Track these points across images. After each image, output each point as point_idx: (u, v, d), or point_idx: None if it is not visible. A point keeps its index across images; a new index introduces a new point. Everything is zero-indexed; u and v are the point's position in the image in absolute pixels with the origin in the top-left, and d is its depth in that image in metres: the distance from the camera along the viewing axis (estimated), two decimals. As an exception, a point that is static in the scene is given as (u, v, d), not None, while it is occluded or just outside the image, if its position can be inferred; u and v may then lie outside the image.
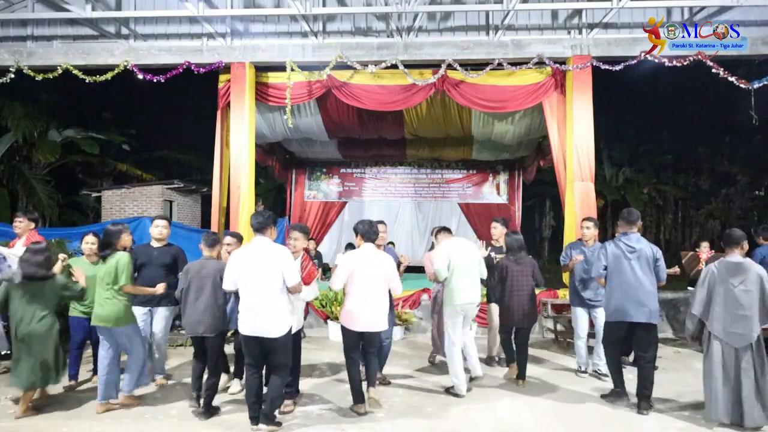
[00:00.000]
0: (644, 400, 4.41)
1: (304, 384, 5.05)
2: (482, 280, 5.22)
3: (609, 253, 4.55)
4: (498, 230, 5.96)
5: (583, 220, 5.81)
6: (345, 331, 4.42)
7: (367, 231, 4.49)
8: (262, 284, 3.91)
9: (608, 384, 4.92)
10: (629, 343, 4.89)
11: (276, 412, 4.07)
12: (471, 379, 5.06)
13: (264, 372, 4.17)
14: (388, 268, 4.49)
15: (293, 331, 4.25)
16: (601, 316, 5.22)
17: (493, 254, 5.66)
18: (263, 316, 3.89)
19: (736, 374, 4.01)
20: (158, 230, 5.16)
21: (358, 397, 4.35)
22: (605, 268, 4.56)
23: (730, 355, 4.05)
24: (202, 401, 4.32)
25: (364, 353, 4.48)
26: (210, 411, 4.28)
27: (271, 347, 3.94)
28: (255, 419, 3.98)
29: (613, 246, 4.56)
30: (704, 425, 4.18)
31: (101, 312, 4.33)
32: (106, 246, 4.45)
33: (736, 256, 4.19)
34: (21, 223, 5.59)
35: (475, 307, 5.05)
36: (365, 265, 4.38)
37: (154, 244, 5.16)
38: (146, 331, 4.99)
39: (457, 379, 4.78)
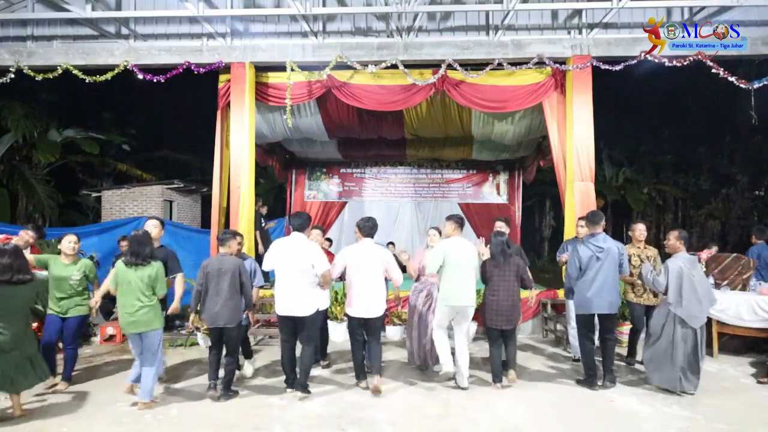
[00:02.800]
0: (609, 374, 5.04)
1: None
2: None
3: (581, 255, 5.05)
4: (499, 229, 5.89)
5: (579, 219, 6.15)
6: (348, 317, 5.00)
7: (364, 226, 5.04)
8: (295, 272, 4.65)
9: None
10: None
11: (307, 382, 4.78)
12: (457, 386, 5.04)
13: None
14: (384, 259, 4.97)
15: (321, 309, 5.13)
16: None
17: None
18: (295, 299, 4.63)
19: (685, 350, 4.80)
20: (151, 232, 4.99)
21: (360, 373, 5.02)
22: (580, 269, 5.05)
23: (689, 335, 4.82)
24: (221, 384, 4.73)
25: (368, 342, 5.03)
26: (229, 393, 4.73)
27: (302, 323, 4.69)
28: (290, 382, 4.78)
29: (584, 247, 5.07)
30: (704, 423, 4.20)
31: (136, 318, 4.37)
32: (140, 253, 4.44)
33: (686, 252, 5.00)
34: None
35: (471, 310, 5.07)
36: (362, 257, 4.92)
37: None
38: None
39: (445, 359, 5.05)
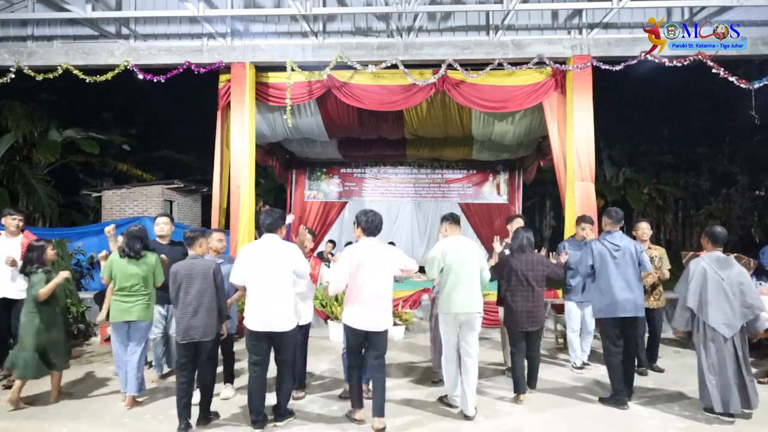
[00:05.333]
0: (628, 387, 4.66)
1: (305, 384, 5.07)
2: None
3: (595, 252, 4.71)
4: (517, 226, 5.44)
5: (580, 220, 5.77)
6: (349, 331, 4.13)
7: (368, 224, 4.15)
8: (272, 280, 3.94)
9: (594, 373, 5.17)
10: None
11: (288, 405, 4.18)
12: (465, 417, 4.33)
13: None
14: (392, 259, 4.17)
15: (305, 323, 4.59)
16: (590, 311, 5.33)
17: (507, 251, 5.07)
18: (272, 311, 3.91)
19: (722, 362, 4.23)
20: (159, 227, 5.30)
21: (357, 401, 4.14)
22: (592, 267, 4.73)
23: (720, 345, 4.25)
24: (198, 408, 4.11)
25: (371, 366, 4.12)
26: (208, 417, 4.15)
27: (279, 342, 3.97)
28: (259, 423, 3.95)
29: (600, 245, 4.73)
30: (704, 424, 4.20)
31: (136, 308, 4.52)
32: (142, 247, 4.61)
33: (720, 252, 4.45)
34: (14, 221, 5.32)
35: (478, 317, 4.41)
36: (365, 260, 4.06)
37: (161, 241, 5.27)
38: (164, 328, 5.25)
39: (452, 390, 4.46)
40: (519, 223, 5.52)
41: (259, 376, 3.97)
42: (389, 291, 4.18)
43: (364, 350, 4.16)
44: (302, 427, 4.12)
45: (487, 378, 5.36)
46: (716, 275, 4.30)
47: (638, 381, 5.26)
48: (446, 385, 4.54)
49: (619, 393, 4.56)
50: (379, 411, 4.00)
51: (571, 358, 5.76)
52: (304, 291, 4.56)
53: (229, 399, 4.66)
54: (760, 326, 4.35)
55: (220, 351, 4.49)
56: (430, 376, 5.38)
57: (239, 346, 5.01)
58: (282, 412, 4.09)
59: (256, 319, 3.93)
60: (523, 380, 4.67)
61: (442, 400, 4.62)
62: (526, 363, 4.81)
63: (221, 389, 4.70)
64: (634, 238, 5.76)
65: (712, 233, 4.49)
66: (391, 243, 11.04)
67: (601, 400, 4.67)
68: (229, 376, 4.85)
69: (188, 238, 4.22)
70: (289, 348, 4.05)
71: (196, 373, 4.11)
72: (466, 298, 4.32)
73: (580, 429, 4.17)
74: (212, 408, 4.22)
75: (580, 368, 5.63)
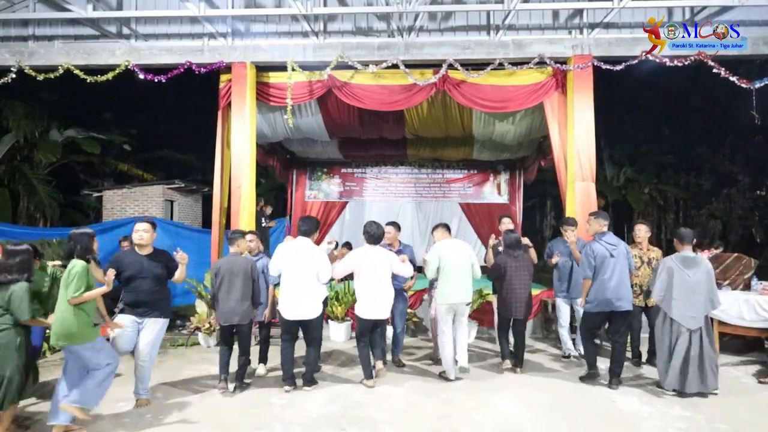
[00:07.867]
0: (615, 377, 5.05)
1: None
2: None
3: (597, 254, 5.09)
4: (507, 226, 6.30)
5: (564, 224, 6.15)
6: (358, 319, 5.11)
7: (374, 234, 5.10)
8: (302, 276, 4.83)
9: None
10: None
11: (314, 375, 5.11)
12: (460, 370, 5.30)
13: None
14: (389, 262, 5.08)
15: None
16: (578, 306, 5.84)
17: (501, 249, 5.86)
18: (302, 302, 4.82)
19: (687, 351, 4.73)
20: (138, 235, 4.42)
21: (368, 373, 5.07)
22: (595, 268, 5.10)
23: (684, 335, 4.75)
24: (233, 378, 4.94)
25: (374, 340, 5.23)
26: (243, 385, 4.98)
27: (308, 326, 4.92)
28: (288, 380, 4.94)
29: (599, 246, 5.13)
30: (705, 423, 4.20)
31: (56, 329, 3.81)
32: (69, 254, 3.93)
33: (688, 251, 4.92)
34: None
35: (466, 306, 5.35)
36: (368, 262, 5.02)
37: (141, 251, 4.46)
38: (134, 343, 4.46)
39: (447, 364, 5.23)
40: (507, 222, 6.28)
41: (288, 348, 4.95)
42: (388, 288, 5.09)
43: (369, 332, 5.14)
44: (301, 426, 4.14)
45: (488, 380, 5.38)
46: (682, 273, 4.79)
47: (638, 380, 5.29)
48: (444, 362, 5.28)
49: (593, 372, 5.19)
50: (379, 355, 5.31)
51: (562, 349, 6.29)
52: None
53: (262, 375, 5.49)
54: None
55: (258, 335, 5.78)
56: (431, 371, 5.48)
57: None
58: (309, 378, 5.01)
59: (288, 309, 4.85)
60: (507, 352, 5.59)
61: (441, 375, 5.32)
62: (511, 342, 5.65)
63: (257, 367, 5.60)
64: (634, 239, 5.99)
65: (678, 234, 5.03)
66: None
67: (581, 378, 5.27)
68: (264, 358, 5.63)
69: (230, 238, 5.13)
70: (315, 329, 4.99)
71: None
72: (459, 291, 5.24)
73: (580, 428, 4.16)
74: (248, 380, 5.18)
75: (567, 357, 6.13)
